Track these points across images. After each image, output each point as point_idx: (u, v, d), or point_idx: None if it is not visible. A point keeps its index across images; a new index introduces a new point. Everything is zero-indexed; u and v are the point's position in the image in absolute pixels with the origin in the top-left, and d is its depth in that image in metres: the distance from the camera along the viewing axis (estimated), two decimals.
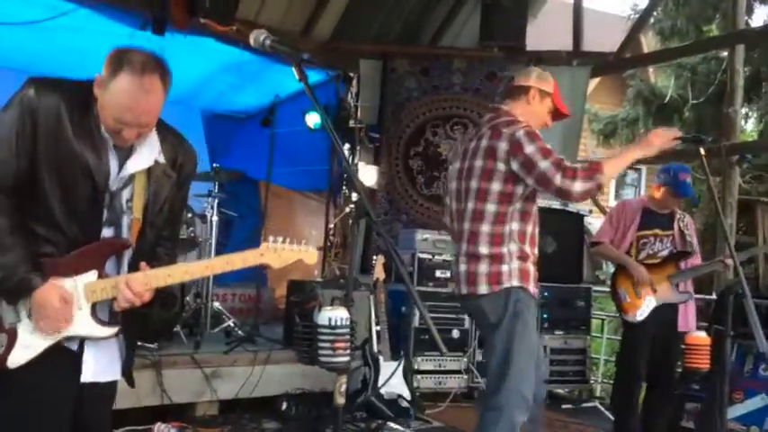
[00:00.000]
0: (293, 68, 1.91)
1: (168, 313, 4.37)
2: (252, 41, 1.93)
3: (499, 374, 2.71)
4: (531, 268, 2.76)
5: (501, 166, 2.69)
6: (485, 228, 2.74)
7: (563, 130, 6.33)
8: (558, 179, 2.57)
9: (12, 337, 1.82)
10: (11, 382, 1.84)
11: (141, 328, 4.02)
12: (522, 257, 2.73)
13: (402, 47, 6.67)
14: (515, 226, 2.74)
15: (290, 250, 1.94)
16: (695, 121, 8.96)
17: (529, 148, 2.62)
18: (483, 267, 2.74)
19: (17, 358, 1.81)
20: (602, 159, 2.70)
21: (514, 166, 2.66)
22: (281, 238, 1.93)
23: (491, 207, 2.73)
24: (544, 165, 2.59)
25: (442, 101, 6.34)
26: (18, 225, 1.81)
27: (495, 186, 2.72)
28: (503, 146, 2.67)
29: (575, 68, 6.32)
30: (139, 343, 3.98)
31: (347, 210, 5.23)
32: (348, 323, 1.70)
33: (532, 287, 2.76)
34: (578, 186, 2.56)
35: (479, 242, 2.75)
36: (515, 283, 2.72)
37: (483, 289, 2.74)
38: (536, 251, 2.81)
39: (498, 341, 2.73)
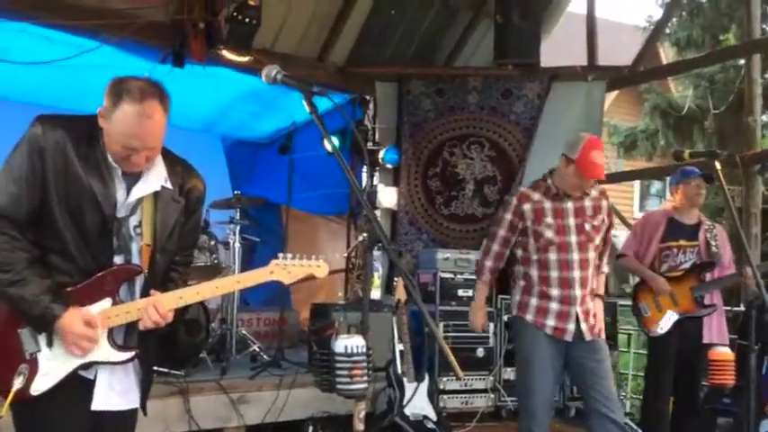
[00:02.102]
0: (303, 102, 1.96)
1: (193, 339, 4.43)
2: (264, 78, 2.00)
3: (517, 389, 3.48)
4: (534, 301, 3.25)
5: None
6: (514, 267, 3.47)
7: None
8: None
9: (33, 366, 1.88)
10: (30, 413, 1.90)
11: (168, 354, 4.12)
12: (525, 292, 3.31)
13: (417, 68, 6.74)
14: (520, 267, 3.35)
15: (300, 266, 1.99)
16: (716, 132, 8.88)
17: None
18: None
19: (39, 386, 1.88)
20: (477, 284, 3.54)
21: None
22: (290, 255, 1.98)
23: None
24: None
25: (458, 121, 6.37)
26: (35, 258, 1.88)
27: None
28: None
29: (590, 83, 6.33)
30: (166, 370, 4.06)
31: (360, 238, 5.27)
32: (364, 350, 1.73)
33: (532, 317, 3.25)
34: (479, 258, 3.50)
35: None
36: (514, 312, 3.37)
37: None
38: (553, 291, 3.22)
39: None
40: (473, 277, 5.26)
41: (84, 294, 1.91)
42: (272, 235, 6.54)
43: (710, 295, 4.01)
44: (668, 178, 4.61)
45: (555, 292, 3.19)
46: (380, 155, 6.19)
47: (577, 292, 3.18)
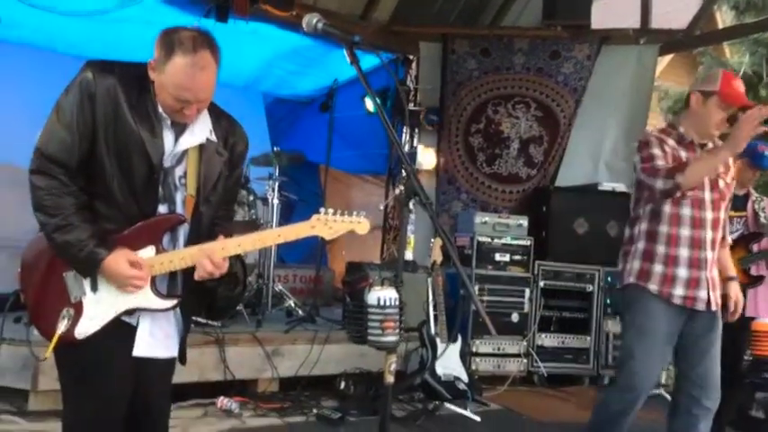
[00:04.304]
0: (345, 52, 1.91)
1: (231, 292, 4.50)
2: (304, 25, 1.95)
3: (621, 359, 3.00)
4: (659, 268, 2.85)
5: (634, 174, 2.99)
6: (627, 231, 3.04)
7: (629, 108, 6.16)
8: (643, 176, 2.82)
9: (78, 309, 1.91)
10: (73, 356, 1.93)
11: (207, 306, 4.19)
12: (646, 258, 2.89)
13: (462, 28, 6.59)
14: (644, 226, 2.92)
15: (342, 221, 1.96)
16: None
17: (636, 156, 2.89)
18: (619, 265, 3.04)
19: (83, 330, 1.90)
20: (693, 159, 2.79)
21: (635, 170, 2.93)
22: (331, 210, 1.96)
23: (631, 211, 3.02)
24: (640, 167, 2.85)
25: (504, 80, 6.24)
26: (83, 204, 1.89)
27: (633, 192, 3.04)
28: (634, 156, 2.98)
29: (642, 47, 6.11)
30: (204, 321, 4.14)
31: (397, 191, 5.25)
32: (397, 303, 1.72)
33: (656, 287, 2.85)
34: (659, 184, 2.75)
35: (623, 243, 3.06)
36: (631, 280, 2.92)
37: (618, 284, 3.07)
38: (683, 252, 2.84)
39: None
40: (511, 242, 5.23)
41: (128, 241, 1.92)
42: (309, 193, 6.57)
43: (757, 266, 3.89)
44: None
45: (684, 252, 2.83)
46: (421, 116, 6.12)
47: (708, 254, 2.84)
